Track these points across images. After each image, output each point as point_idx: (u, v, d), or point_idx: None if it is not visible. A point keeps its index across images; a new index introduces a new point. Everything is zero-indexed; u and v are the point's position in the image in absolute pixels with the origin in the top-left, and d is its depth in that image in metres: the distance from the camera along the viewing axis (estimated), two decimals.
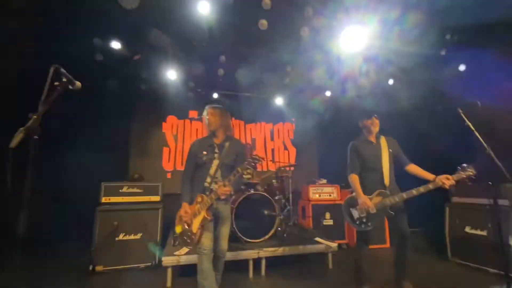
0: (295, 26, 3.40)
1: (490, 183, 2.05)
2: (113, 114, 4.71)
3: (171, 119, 5.60)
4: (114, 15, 3.12)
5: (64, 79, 1.45)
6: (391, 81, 4.90)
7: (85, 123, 4.50)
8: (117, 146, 4.95)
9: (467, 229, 3.39)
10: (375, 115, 2.62)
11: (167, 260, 2.91)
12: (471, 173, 2.22)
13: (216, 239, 2.33)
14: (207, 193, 2.22)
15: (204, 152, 2.36)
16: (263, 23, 3.13)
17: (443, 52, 3.84)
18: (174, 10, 3.17)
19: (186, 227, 2.21)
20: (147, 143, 5.34)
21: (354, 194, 2.57)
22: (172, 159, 5.43)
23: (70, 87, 1.50)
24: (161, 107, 5.40)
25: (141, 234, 3.41)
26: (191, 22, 3.31)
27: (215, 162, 2.32)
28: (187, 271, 3.03)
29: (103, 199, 3.44)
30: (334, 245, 3.46)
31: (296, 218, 4.58)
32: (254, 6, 3.05)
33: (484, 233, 3.20)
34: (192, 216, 2.21)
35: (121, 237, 3.34)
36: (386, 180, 2.53)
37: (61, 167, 4.31)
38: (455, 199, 3.66)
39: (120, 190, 3.52)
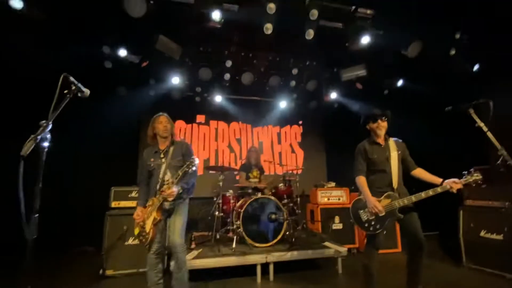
0: (300, 29, 3.39)
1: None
2: (122, 119, 4.79)
3: (179, 123, 5.66)
4: (121, 23, 3.20)
5: (73, 87, 1.48)
6: (400, 82, 4.84)
7: (95, 130, 4.60)
8: (127, 151, 5.03)
9: (482, 233, 3.28)
10: (382, 118, 2.57)
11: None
12: (477, 178, 2.18)
13: (168, 234, 2.43)
14: (157, 195, 2.37)
15: (152, 159, 2.52)
16: (268, 27, 3.14)
17: (453, 52, 3.77)
18: (180, 18, 3.22)
19: (141, 228, 2.40)
20: None
21: (362, 196, 2.52)
22: None
23: (79, 94, 1.54)
24: (170, 112, 5.43)
25: None
26: (198, 29, 3.36)
27: (163, 167, 2.47)
28: (196, 275, 3.03)
29: (113, 204, 3.49)
30: (343, 249, 3.40)
31: (305, 222, 4.53)
32: (260, 10, 3.08)
33: (500, 237, 3.09)
34: (145, 218, 2.38)
35: (130, 241, 3.37)
36: (395, 183, 2.48)
37: (72, 172, 4.42)
38: (468, 202, 3.54)
39: (129, 195, 3.57)
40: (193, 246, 3.47)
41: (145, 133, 5.23)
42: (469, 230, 3.44)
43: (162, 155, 2.53)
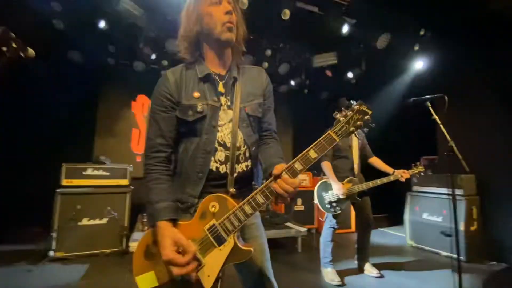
0: (277, 8, 3.29)
1: (448, 174, 2.22)
2: (77, 90, 4.32)
3: (141, 98, 5.27)
4: None
5: (14, 45, 1.25)
6: (350, 74, 4.90)
7: (46, 99, 4.09)
8: (81, 125, 4.58)
9: (425, 216, 3.68)
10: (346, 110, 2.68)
11: (135, 246, 2.81)
12: (421, 170, 2.61)
13: (256, 283, 1.12)
14: (230, 188, 1.02)
15: (195, 94, 1.06)
16: (244, 2, 2.98)
17: (416, 47, 3.98)
18: None
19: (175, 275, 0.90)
20: (115, 123, 5.01)
21: (327, 180, 2.66)
22: (142, 142, 5.17)
23: (21, 54, 1.30)
24: (131, 85, 5.05)
25: (107, 219, 3.24)
26: None
27: (227, 114, 1.07)
28: None
29: (64, 182, 3.19)
30: (303, 229, 3.58)
31: (269, 203, 4.65)
32: None
33: (439, 219, 3.49)
34: (198, 252, 0.93)
35: (84, 222, 3.15)
36: (355, 168, 2.70)
37: (19, 147, 3.92)
38: (416, 188, 3.93)
39: (83, 173, 3.29)
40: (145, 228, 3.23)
41: (102, 105, 4.84)
42: (414, 212, 3.84)
43: (221, 88, 1.10)
